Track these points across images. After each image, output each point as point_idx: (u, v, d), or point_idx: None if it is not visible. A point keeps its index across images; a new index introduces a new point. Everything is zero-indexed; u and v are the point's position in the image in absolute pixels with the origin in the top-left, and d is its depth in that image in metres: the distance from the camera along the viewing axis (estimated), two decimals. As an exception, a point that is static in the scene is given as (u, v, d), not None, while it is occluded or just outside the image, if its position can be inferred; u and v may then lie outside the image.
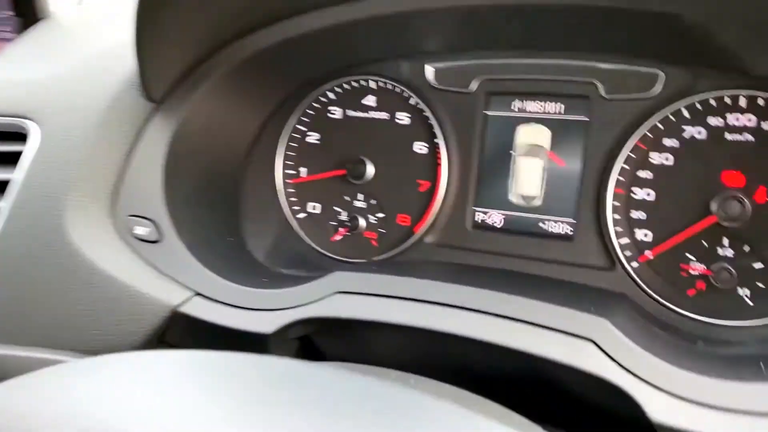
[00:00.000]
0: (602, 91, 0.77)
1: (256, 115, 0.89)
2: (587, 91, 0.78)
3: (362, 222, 0.91)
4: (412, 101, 0.88)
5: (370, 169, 0.89)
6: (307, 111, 0.93)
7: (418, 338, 0.65)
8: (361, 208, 0.91)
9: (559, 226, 0.81)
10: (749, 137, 0.72)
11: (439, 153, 0.86)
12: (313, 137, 0.94)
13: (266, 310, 0.68)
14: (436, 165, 0.86)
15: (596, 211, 0.78)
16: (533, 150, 0.82)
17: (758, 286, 0.72)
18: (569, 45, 0.77)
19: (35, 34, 1.00)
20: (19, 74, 0.85)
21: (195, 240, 0.76)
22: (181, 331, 0.71)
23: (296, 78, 0.89)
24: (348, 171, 0.90)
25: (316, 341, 0.73)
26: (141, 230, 0.73)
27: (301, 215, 0.94)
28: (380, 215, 0.90)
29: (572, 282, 0.77)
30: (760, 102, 0.71)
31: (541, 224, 0.83)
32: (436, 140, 0.86)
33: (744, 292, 0.73)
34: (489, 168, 0.85)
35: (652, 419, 0.51)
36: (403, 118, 0.89)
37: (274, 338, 0.67)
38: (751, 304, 0.72)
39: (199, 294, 0.71)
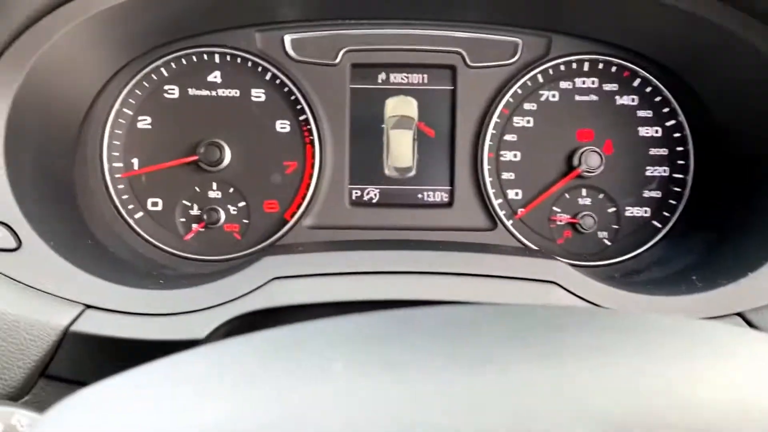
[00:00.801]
0: (468, 60, 0.86)
1: (87, 91, 0.78)
2: (453, 61, 0.87)
3: (221, 214, 0.86)
4: (268, 76, 0.86)
5: (227, 154, 0.85)
6: (135, 91, 0.85)
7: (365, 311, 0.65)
8: (217, 199, 0.86)
9: (436, 194, 0.89)
10: (594, 97, 0.87)
11: (306, 131, 0.86)
12: (144, 122, 0.86)
13: (190, 312, 0.61)
14: (304, 144, 0.87)
15: (474, 177, 0.87)
16: (403, 122, 0.88)
17: (612, 227, 0.88)
18: (434, 15, 0.84)
19: None
20: None
21: (62, 240, 0.64)
22: (73, 358, 0.60)
23: (125, 51, 0.80)
24: (200, 157, 0.85)
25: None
26: (-11, 235, 0.60)
27: (139, 214, 0.85)
28: (242, 204, 0.87)
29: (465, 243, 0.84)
30: (600, 66, 0.87)
31: (418, 195, 0.90)
32: (301, 117, 0.86)
33: (603, 234, 0.88)
34: (361, 143, 0.90)
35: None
36: (259, 94, 0.87)
37: (203, 343, 0.60)
38: (609, 243, 0.88)
39: (91, 306, 0.60)
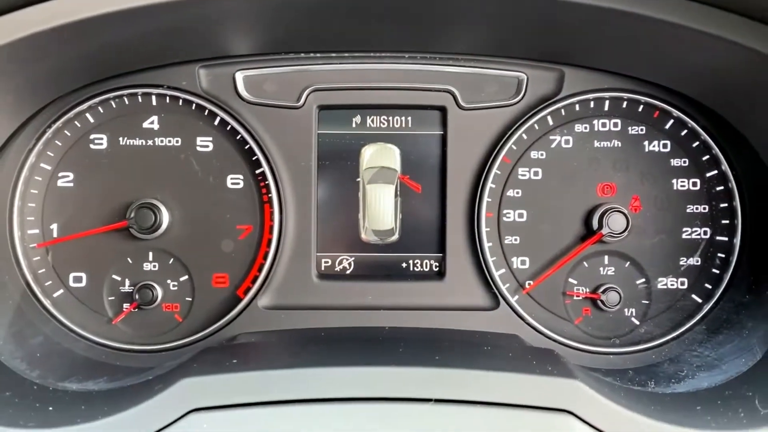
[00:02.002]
0: (460, 99, 0.72)
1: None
2: (443, 101, 0.73)
3: (158, 291, 0.71)
4: (216, 121, 0.72)
5: (165, 217, 0.71)
6: (55, 142, 0.71)
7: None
8: (153, 272, 0.72)
9: (424, 263, 0.76)
10: (617, 143, 0.73)
11: (263, 186, 0.72)
12: (65, 179, 0.72)
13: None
14: (262, 203, 0.74)
15: (471, 241, 0.72)
16: (382, 174, 0.75)
17: (642, 303, 0.73)
18: (420, 47, 0.70)
19: None
20: None
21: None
22: None
23: (38, 94, 0.66)
24: (131, 222, 0.70)
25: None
26: None
27: (58, 293, 0.71)
28: (184, 278, 0.73)
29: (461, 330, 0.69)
30: (624, 105, 0.72)
31: (402, 264, 0.76)
32: (257, 170, 0.73)
33: (630, 311, 0.73)
34: (331, 201, 0.76)
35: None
36: (207, 143, 0.73)
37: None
38: (637, 322, 0.73)
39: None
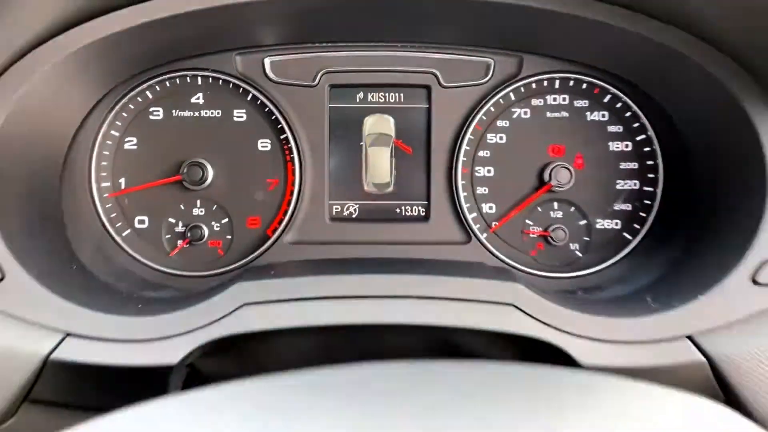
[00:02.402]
0: (442, 80, 0.89)
1: (72, 119, 0.82)
2: (428, 81, 0.91)
3: (205, 230, 0.90)
4: (249, 97, 0.90)
5: (210, 173, 0.89)
6: (122, 114, 0.89)
7: (328, 335, 0.69)
8: (201, 216, 0.91)
9: (413, 209, 0.94)
10: (565, 113, 0.91)
11: (287, 149, 0.90)
12: (130, 143, 0.90)
13: (164, 339, 0.66)
14: (285, 162, 0.91)
15: (449, 191, 0.91)
16: (381, 139, 0.92)
17: (584, 240, 0.91)
18: (409, 38, 0.88)
19: None
20: None
21: (44, 270, 0.69)
22: (56, 383, 0.64)
23: (110, 78, 0.84)
24: (184, 177, 0.89)
25: (197, 363, 0.72)
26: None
27: (126, 232, 0.90)
28: (225, 221, 0.91)
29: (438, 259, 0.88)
30: (571, 83, 0.90)
31: (396, 209, 0.94)
32: (281, 136, 0.90)
33: (574, 246, 0.92)
34: (340, 160, 0.94)
35: (582, 363, 0.64)
36: (241, 115, 0.90)
37: (177, 368, 0.64)
38: (580, 255, 0.92)
39: (71, 334, 0.64)
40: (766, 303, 0.68)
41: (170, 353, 0.66)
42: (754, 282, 0.69)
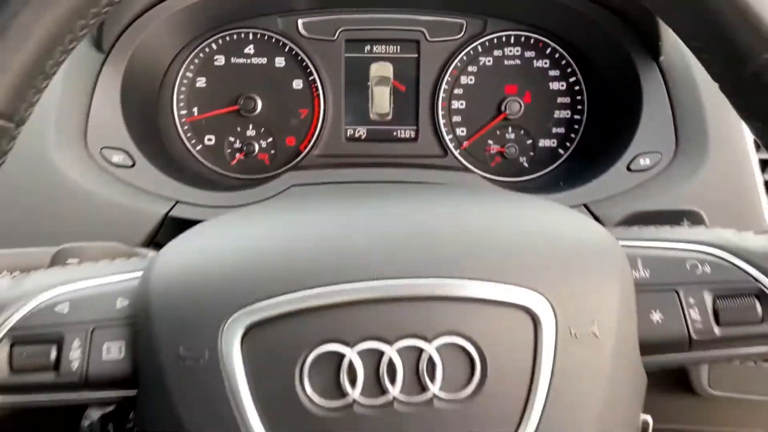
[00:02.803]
0: (428, 36, 1.22)
1: (162, 63, 1.16)
2: (417, 37, 1.23)
3: (255, 146, 1.24)
4: (287, 48, 1.22)
5: (259, 104, 1.22)
6: (194, 60, 1.22)
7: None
8: (252, 136, 1.24)
9: (406, 132, 1.27)
10: (517, 62, 1.23)
11: (314, 87, 1.23)
12: (201, 82, 1.23)
13: (236, 207, 1.00)
14: (313, 97, 1.24)
15: (431, 119, 1.24)
16: (382, 80, 1.25)
17: (530, 154, 1.25)
18: (404, 4, 1.20)
19: None
20: None
21: (157, 162, 1.03)
22: (170, 232, 0.99)
23: (191, 33, 1.17)
24: (241, 107, 1.22)
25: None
26: (117, 158, 0.98)
27: (200, 146, 1.23)
28: (270, 140, 1.24)
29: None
30: (522, 38, 1.23)
31: (393, 132, 1.27)
32: (311, 78, 1.23)
33: (522, 159, 1.26)
34: (352, 96, 1.26)
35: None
36: (280, 61, 1.23)
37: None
38: (527, 166, 1.26)
39: (180, 202, 0.99)
40: (635, 183, 1.02)
41: None
42: (629, 169, 1.03)
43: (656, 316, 0.57)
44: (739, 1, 0.55)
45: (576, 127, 1.24)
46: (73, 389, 0.55)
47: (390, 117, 1.26)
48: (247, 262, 0.54)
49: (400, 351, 0.51)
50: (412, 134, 1.26)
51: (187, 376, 0.52)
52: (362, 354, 0.51)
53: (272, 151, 1.25)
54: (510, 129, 1.25)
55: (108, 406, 0.71)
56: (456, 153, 1.25)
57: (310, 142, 1.24)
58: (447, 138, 1.25)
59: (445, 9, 1.21)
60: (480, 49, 1.24)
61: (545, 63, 1.24)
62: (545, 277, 0.53)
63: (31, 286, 0.57)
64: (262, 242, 0.57)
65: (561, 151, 1.24)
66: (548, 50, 1.23)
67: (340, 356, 0.51)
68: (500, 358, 0.51)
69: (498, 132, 1.25)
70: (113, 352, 0.55)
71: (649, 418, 0.81)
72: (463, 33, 1.22)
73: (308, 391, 0.51)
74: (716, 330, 0.56)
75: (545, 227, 0.58)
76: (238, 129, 1.25)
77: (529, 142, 1.25)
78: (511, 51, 1.24)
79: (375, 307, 0.52)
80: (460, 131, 1.25)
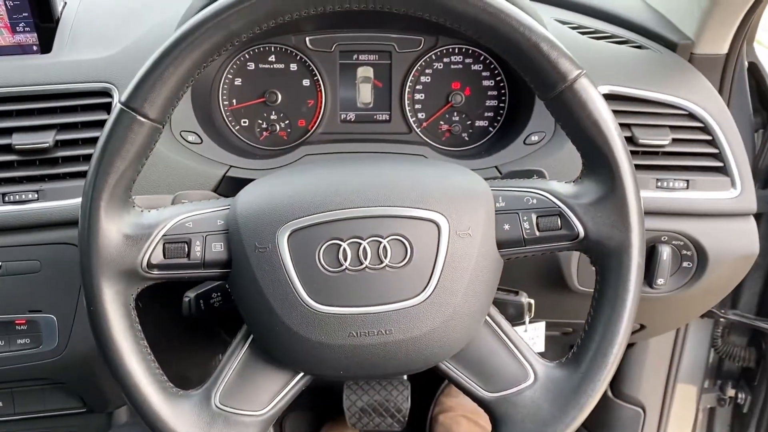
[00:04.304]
0: (397, 48, 1.60)
1: (213, 71, 1.55)
2: (390, 48, 1.59)
3: (277, 126, 1.63)
4: (298, 57, 1.61)
5: (280, 97, 1.60)
6: (234, 65, 1.60)
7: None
8: (275, 120, 1.55)
9: (382, 116, 1.63)
10: (460, 66, 1.62)
11: (318, 85, 1.61)
12: (237, 81, 1.61)
13: (270, 169, 1.37)
14: (317, 92, 1.61)
15: (400, 106, 1.60)
16: (366, 79, 1.60)
17: (469, 131, 1.65)
18: (381, 26, 1.57)
19: (74, 25, 1.36)
20: (93, 53, 1.25)
21: (218, 140, 1.42)
22: (226, 186, 1.35)
23: (236, 50, 1.56)
24: (267, 99, 1.59)
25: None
26: (191, 138, 1.38)
27: (237, 127, 1.62)
28: (287, 122, 1.53)
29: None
30: (463, 49, 1.61)
31: (374, 116, 1.63)
32: (315, 78, 1.60)
33: (464, 135, 1.66)
34: (345, 91, 1.60)
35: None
36: (294, 67, 1.60)
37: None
38: (467, 139, 1.66)
39: (233, 166, 1.37)
40: (527, 152, 1.38)
41: None
42: (524, 143, 1.42)
43: (506, 227, 0.87)
44: (532, 39, 0.78)
45: (501, 112, 1.53)
46: (196, 268, 0.88)
47: (371, 105, 1.51)
48: (288, 197, 0.85)
49: (369, 243, 0.90)
50: (387, 117, 1.51)
51: (261, 258, 0.84)
52: (350, 245, 0.90)
53: (289, 130, 1.49)
54: (455, 114, 1.51)
55: (214, 281, 1.10)
56: (418, 131, 1.50)
57: (315, 123, 1.50)
58: (411, 120, 1.50)
59: (408, 30, 1.56)
60: (434, 57, 1.48)
61: (480, 67, 1.50)
62: (444, 205, 0.84)
63: (170, 213, 0.87)
64: (296, 186, 0.87)
65: (490, 129, 1.55)
66: (482, 58, 1.49)
67: (339, 246, 0.86)
68: (420, 247, 0.83)
69: (447, 116, 1.50)
70: (217, 248, 0.87)
71: (532, 301, 1.22)
72: (421, 46, 1.48)
73: (323, 264, 0.84)
74: (537, 233, 0.87)
75: (449, 177, 0.88)
76: (264, 114, 1.48)
77: (469, 122, 1.51)
78: (455, 59, 1.49)
79: (357, 221, 0.86)
80: (420, 115, 1.50)
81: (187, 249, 0.88)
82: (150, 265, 0.86)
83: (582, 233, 0.87)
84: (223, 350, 0.93)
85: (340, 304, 0.85)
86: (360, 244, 0.86)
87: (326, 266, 0.85)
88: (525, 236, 0.90)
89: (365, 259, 0.85)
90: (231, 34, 0.80)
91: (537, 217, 0.89)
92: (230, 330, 1.18)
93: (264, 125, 1.51)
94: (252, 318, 0.89)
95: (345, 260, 0.85)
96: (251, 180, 1.38)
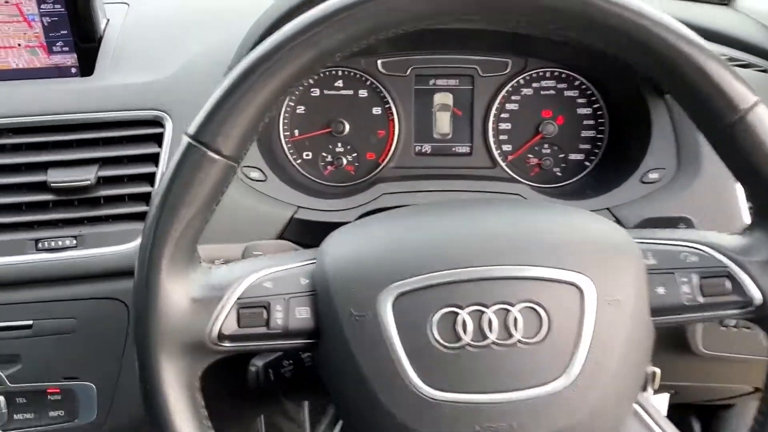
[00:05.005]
0: (480, 72, 1.45)
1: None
2: (472, 72, 1.45)
3: (344, 160, 1.48)
4: (368, 82, 1.46)
5: (347, 127, 1.46)
6: (295, 93, 1.46)
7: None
8: (341, 152, 1.48)
9: (463, 148, 1.49)
10: (552, 92, 1.46)
11: (390, 113, 1.47)
12: (300, 109, 1.47)
13: (343, 210, 1.24)
14: (388, 120, 1.47)
15: (483, 137, 1.46)
16: (443, 107, 1.47)
17: (562, 166, 1.48)
18: (462, 47, 1.43)
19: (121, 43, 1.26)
20: (141, 77, 1.15)
21: (282, 176, 1.28)
22: (294, 230, 1.22)
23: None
24: (333, 129, 1.45)
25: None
26: (254, 174, 1.23)
27: (299, 160, 1.48)
28: (354, 155, 1.48)
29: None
30: (555, 73, 1.45)
31: (452, 149, 1.49)
32: (387, 105, 1.46)
33: (556, 170, 1.49)
34: (419, 119, 1.47)
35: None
36: (364, 93, 1.46)
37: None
38: (560, 175, 1.49)
39: (300, 207, 1.23)
40: (645, 192, 1.22)
41: (349, 217, 1.23)
42: (641, 181, 1.25)
43: (660, 290, 0.76)
44: (699, 59, 0.67)
45: (599, 144, 1.46)
46: (277, 338, 0.77)
47: (450, 136, 1.41)
48: (390, 251, 0.77)
49: (495, 312, 0.75)
50: (467, 150, 1.41)
51: (358, 328, 0.73)
52: (471, 314, 0.75)
53: (356, 164, 1.39)
54: (546, 146, 1.40)
55: (297, 352, 0.95)
56: (503, 165, 1.41)
57: (387, 156, 1.46)
58: (496, 153, 1.40)
59: (493, 50, 1.43)
60: (522, 82, 1.38)
61: (574, 93, 1.39)
62: (587, 263, 0.73)
63: (243, 270, 0.77)
64: (399, 237, 0.78)
65: (587, 163, 1.47)
66: (577, 83, 1.45)
67: (456, 314, 0.75)
68: (558, 317, 0.72)
69: (536, 148, 1.40)
70: (303, 313, 0.76)
71: (657, 370, 1.04)
72: (508, 69, 1.37)
73: (437, 337, 0.73)
74: (700, 299, 0.76)
75: (586, 227, 0.80)
76: (330, 146, 1.39)
77: (561, 156, 1.40)
78: (546, 83, 1.38)
79: (479, 284, 0.76)
80: (506, 147, 1.40)
81: (266, 315, 0.76)
82: (221, 336, 0.74)
83: (759, 299, 0.75)
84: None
85: (460, 389, 0.72)
86: (483, 312, 0.73)
87: (441, 340, 0.72)
88: (685, 302, 0.77)
89: (490, 332, 0.72)
90: (322, 54, 0.70)
91: (700, 279, 0.76)
92: (293, 397, 0.99)
93: (329, 158, 1.42)
94: (344, 401, 0.78)
95: (465, 333, 0.72)
96: (322, 223, 1.25)
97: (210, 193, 0.72)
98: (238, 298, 0.75)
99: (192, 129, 0.70)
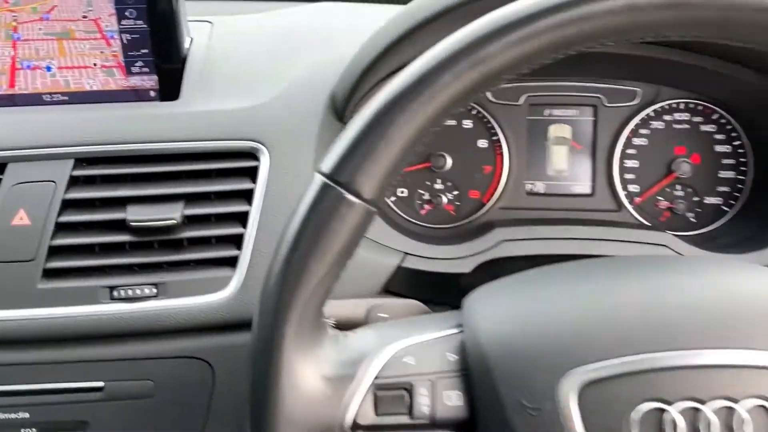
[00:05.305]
0: (605, 102, 1.29)
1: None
2: (595, 102, 1.30)
3: (443, 199, 1.32)
4: (473, 111, 1.31)
5: (448, 161, 1.31)
6: (452, 121, 1.34)
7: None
8: (440, 189, 1.33)
9: (582, 187, 1.34)
10: (686, 126, 1.29)
11: (498, 146, 1.32)
12: (400, 144, 1.33)
13: (457, 259, 1.09)
14: (496, 155, 1.32)
15: (607, 176, 1.31)
16: (560, 140, 1.33)
17: (697, 211, 1.30)
18: (584, 73, 1.28)
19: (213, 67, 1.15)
20: (233, 103, 1.04)
21: (390, 221, 1.13)
22: (400, 280, 1.08)
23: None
24: (432, 163, 1.31)
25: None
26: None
27: (393, 198, 1.33)
28: (456, 193, 1.33)
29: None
30: (691, 105, 1.28)
31: (570, 187, 1.34)
32: (494, 138, 1.31)
33: (690, 215, 1.31)
34: (532, 154, 1.34)
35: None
36: (468, 123, 1.32)
37: (469, 275, 1.07)
38: (693, 221, 1.31)
39: (408, 254, 1.08)
40: None
41: (464, 267, 1.09)
42: None
43: None
44: None
45: (740, 187, 1.29)
46: (423, 429, 0.66)
47: (567, 174, 1.34)
48: (572, 325, 0.62)
49: (714, 411, 0.58)
50: (588, 190, 1.33)
51: (531, 425, 0.60)
52: (682, 412, 0.58)
53: (457, 203, 1.33)
54: (679, 187, 1.32)
55: None
56: (630, 208, 1.32)
57: (493, 195, 1.32)
58: (621, 194, 1.32)
59: (621, 78, 1.29)
60: (652, 114, 1.31)
61: (712, 127, 1.31)
62: None
63: (376, 341, 0.65)
64: (580, 306, 0.64)
65: (725, 208, 1.30)
66: (715, 116, 1.30)
67: (662, 411, 0.59)
68: None
69: (668, 189, 1.32)
70: (453, 399, 0.66)
71: None
72: (637, 99, 1.30)
73: None
74: None
75: None
76: (428, 183, 1.30)
77: (696, 199, 1.32)
78: (680, 116, 1.31)
79: (691, 372, 0.60)
80: (633, 188, 1.32)
81: (408, 400, 0.63)
82: (355, 427, 0.62)
83: None
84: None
85: None
86: (699, 411, 0.59)
87: None
88: None
89: None
90: (488, 77, 0.57)
91: None
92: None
93: (426, 196, 1.32)
94: None
95: None
96: (433, 274, 1.10)
97: (346, 245, 0.59)
98: (376, 377, 0.63)
99: (327, 166, 0.59)
